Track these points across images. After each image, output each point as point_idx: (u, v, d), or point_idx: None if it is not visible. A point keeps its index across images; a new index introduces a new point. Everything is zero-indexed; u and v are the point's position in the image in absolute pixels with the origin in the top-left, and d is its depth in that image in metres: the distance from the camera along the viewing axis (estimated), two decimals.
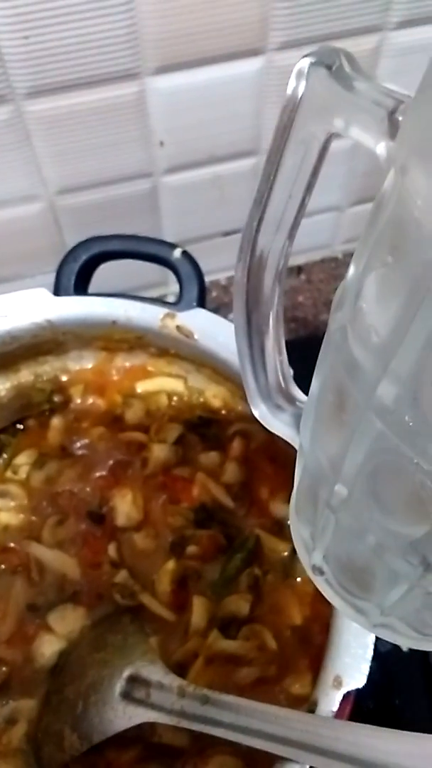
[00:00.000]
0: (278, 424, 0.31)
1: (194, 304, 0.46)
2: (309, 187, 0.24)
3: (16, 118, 0.57)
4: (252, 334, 0.29)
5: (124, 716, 0.37)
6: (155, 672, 0.38)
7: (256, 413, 0.31)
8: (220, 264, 0.83)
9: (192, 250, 0.50)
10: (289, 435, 0.31)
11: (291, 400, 0.32)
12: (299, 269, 0.84)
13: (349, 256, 0.85)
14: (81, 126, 0.60)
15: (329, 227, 0.81)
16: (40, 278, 0.74)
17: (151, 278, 0.81)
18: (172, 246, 0.47)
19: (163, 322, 0.44)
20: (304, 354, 0.43)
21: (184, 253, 0.47)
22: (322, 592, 0.32)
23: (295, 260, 0.84)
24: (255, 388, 0.31)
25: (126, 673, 0.39)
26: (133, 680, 0.38)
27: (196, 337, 0.43)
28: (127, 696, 0.38)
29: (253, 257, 0.27)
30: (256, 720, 0.33)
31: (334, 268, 0.84)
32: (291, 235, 0.26)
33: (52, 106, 0.57)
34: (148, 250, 0.47)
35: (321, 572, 0.31)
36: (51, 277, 0.74)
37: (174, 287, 0.83)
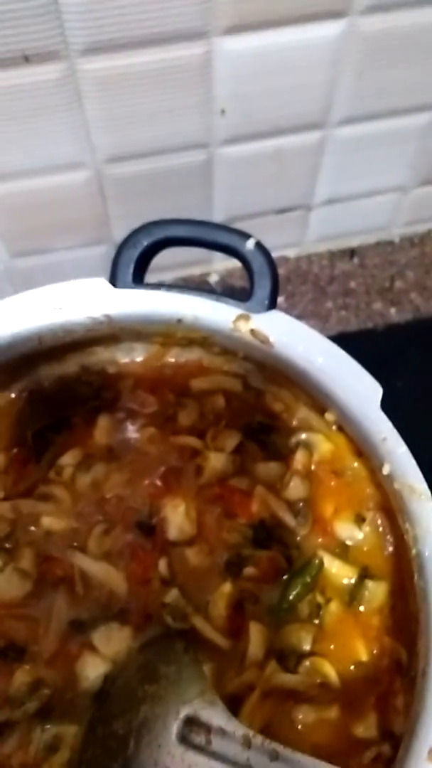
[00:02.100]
0: None
1: (266, 302, 0.41)
2: None
3: (69, 77, 0.51)
4: None
5: (182, 764, 0.34)
6: (216, 716, 0.35)
7: None
8: (271, 243, 0.77)
9: (241, 228, 0.45)
10: None
11: None
12: (352, 252, 0.79)
13: (407, 240, 0.79)
14: (137, 89, 0.54)
15: (389, 208, 0.75)
16: (78, 252, 0.69)
17: (193, 254, 0.75)
18: (245, 236, 0.42)
19: (236, 325, 0.39)
20: (357, 348, 0.39)
21: (258, 244, 0.42)
22: None
23: (348, 242, 0.78)
24: None
25: (183, 713, 0.35)
26: (191, 722, 0.35)
27: (272, 341, 0.39)
28: (184, 740, 0.34)
29: None
30: None
31: (390, 252, 0.79)
32: None
33: (108, 65, 0.51)
34: (217, 239, 0.42)
35: None
36: (88, 252, 0.70)
37: (218, 265, 0.78)
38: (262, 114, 0.59)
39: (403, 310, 0.74)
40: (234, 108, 0.58)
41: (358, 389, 0.37)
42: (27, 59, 0.49)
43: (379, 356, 0.66)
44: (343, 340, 0.73)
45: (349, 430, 0.40)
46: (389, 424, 0.36)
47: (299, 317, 0.76)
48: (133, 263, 0.42)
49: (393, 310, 0.74)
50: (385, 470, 0.36)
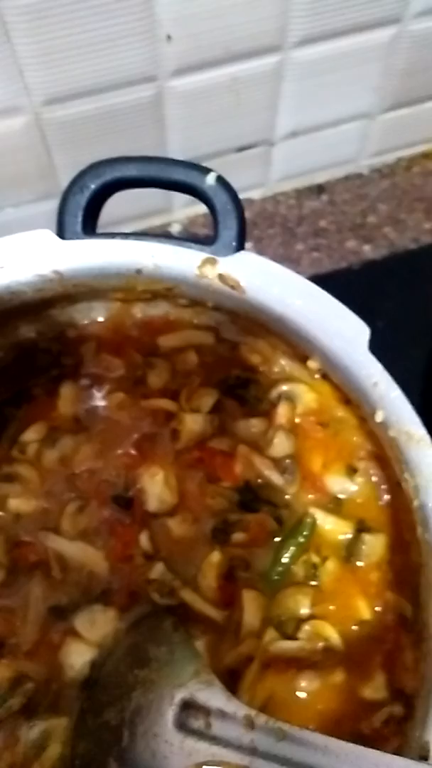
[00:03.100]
0: None
1: (233, 243, 0.37)
2: None
3: None
4: None
5: (181, 752, 0.31)
6: (214, 697, 0.32)
7: None
8: (233, 185, 0.72)
9: None
10: None
11: None
12: (320, 188, 0.74)
13: (376, 171, 0.75)
14: (70, 16, 0.48)
15: (356, 138, 0.71)
16: (27, 208, 0.64)
17: (151, 203, 0.70)
18: (204, 170, 0.37)
19: (202, 271, 0.35)
20: (333, 290, 0.36)
21: (219, 179, 0.37)
22: None
23: (315, 178, 0.74)
24: None
25: (178, 697, 0.33)
26: (188, 706, 0.32)
27: (243, 286, 0.35)
28: (182, 727, 0.32)
29: None
30: (348, 766, 0.28)
31: (360, 186, 0.75)
32: None
33: None
34: (174, 177, 0.38)
35: None
36: (38, 207, 0.65)
37: (180, 214, 0.73)
38: (212, 38, 0.54)
39: (377, 246, 0.71)
40: (181, 33, 0.52)
41: (343, 331, 0.33)
42: None
43: (357, 297, 0.62)
44: (318, 282, 0.69)
45: (336, 377, 0.36)
46: (380, 367, 0.32)
47: None
48: (82, 211, 0.37)
49: (367, 247, 0.71)
50: (379, 417, 0.33)
